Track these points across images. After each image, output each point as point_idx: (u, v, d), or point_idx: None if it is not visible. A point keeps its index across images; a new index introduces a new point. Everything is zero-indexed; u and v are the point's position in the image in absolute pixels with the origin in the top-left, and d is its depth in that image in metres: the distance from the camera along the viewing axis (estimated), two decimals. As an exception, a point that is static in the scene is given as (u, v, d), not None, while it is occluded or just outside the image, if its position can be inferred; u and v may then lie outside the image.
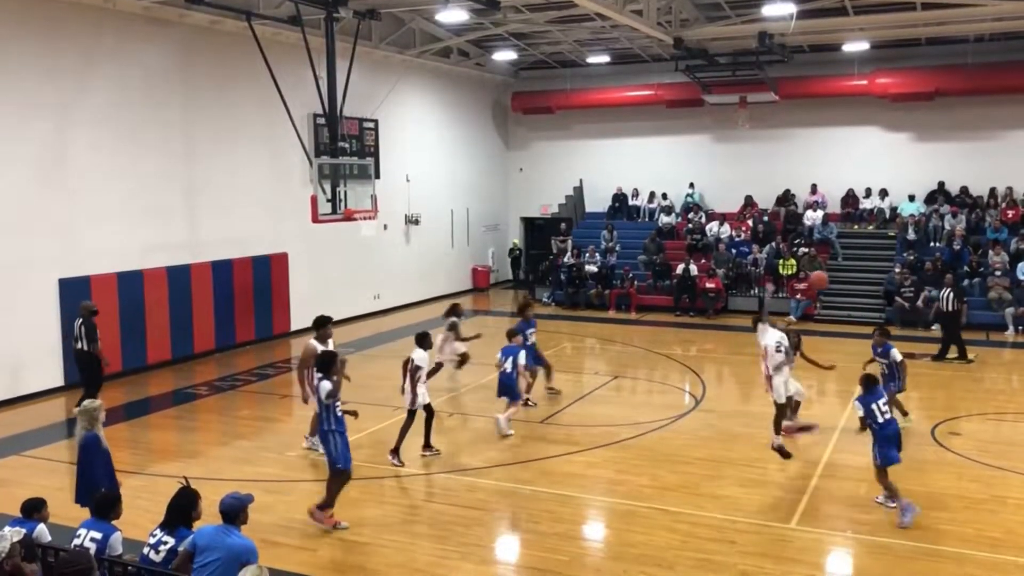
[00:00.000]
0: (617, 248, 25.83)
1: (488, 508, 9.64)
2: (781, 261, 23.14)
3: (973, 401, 14.31)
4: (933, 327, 19.69)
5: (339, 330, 20.70)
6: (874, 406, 9.30)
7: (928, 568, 8.07)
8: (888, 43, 23.18)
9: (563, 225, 27.30)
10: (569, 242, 26.41)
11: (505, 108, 29.14)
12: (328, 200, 16.00)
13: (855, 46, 22.62)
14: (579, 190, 28.64)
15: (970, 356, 17.06)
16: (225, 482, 9.46)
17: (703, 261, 24.10)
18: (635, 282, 24.15)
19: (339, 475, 8.97)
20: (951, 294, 17.51)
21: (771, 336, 11.40)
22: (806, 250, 23.11)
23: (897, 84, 23.42)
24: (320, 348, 10.94)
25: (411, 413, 11.11)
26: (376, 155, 22.51)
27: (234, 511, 6.14)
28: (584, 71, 27.49)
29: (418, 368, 11.00)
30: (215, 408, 14.38)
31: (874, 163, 24.83)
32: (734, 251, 24.26)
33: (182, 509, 6.29)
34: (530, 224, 29.98)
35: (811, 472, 10.64)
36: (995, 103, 23.22)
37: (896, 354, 12.09)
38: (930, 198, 24.03)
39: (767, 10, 18.18)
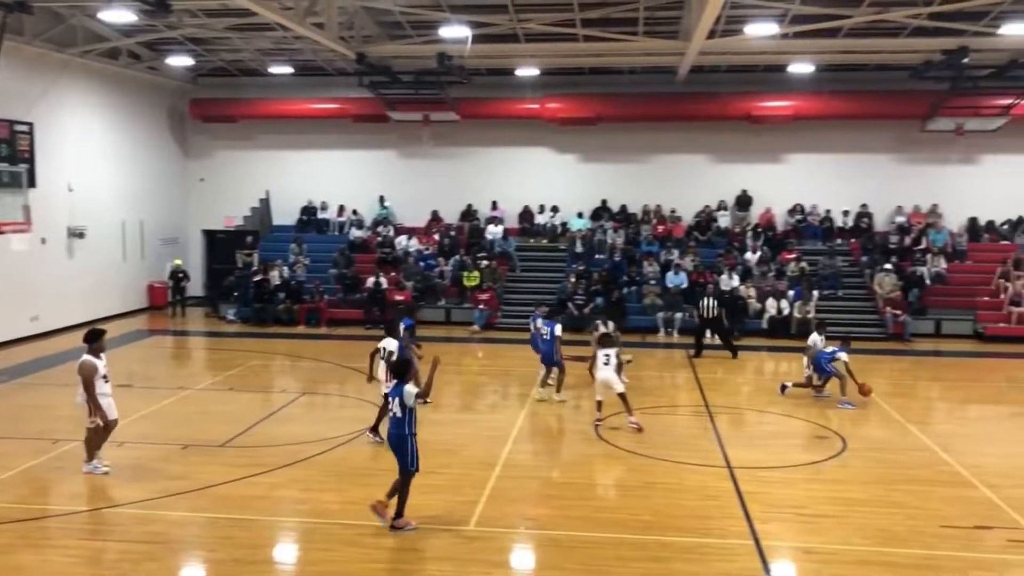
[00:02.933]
0: (306, 262, 25.49)
1: (160, 541, 9.07)
2: (465, 273, 24.15)
3: (633, 397, 15.74)
4: (670, 331, 22.30)
5: (-13, 357, 18.61)
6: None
7: (590, 555, 8.80)
8: (556, 71, 25.10)
9: (249, 238, 26.47)
10: (255, 256, 25.64)
11: (183, 115, 27.68)
12: (-31, 212, 14.22)
13: (527, 71, 24.24)
14: (266, 202, 27.92)
15: (629, 357, 18.89)
16: None
17: (393, 274, 24.50)
18: (325, 296, 23.98)
19: (411, 476, 9.37)
20: (714, 302, 19.77)
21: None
22: (488, 263, 24.32)
23: (564, 109, 25.44)
24: (99, 363, 10.83)
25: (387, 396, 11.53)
26: (31, 162, 20.39)
27: None
28: (268, 81, 26.87)
29: (392, 354, 12.11)
30: None
31: (547, 182, 26.75)
32: (422, 264, 24.92)
33: None
34: (213, 237, 28.67)
35: (489, 474, 11.20)
36: (647, 129, 25.99)
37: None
38: (595, 214, 26.34)
39: (445, 32, 18.94)
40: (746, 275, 23.65)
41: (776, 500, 10.38)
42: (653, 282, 23.44)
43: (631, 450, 12.30)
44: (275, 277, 24.42)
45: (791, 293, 22.69)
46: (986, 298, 22.90)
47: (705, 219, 25.96)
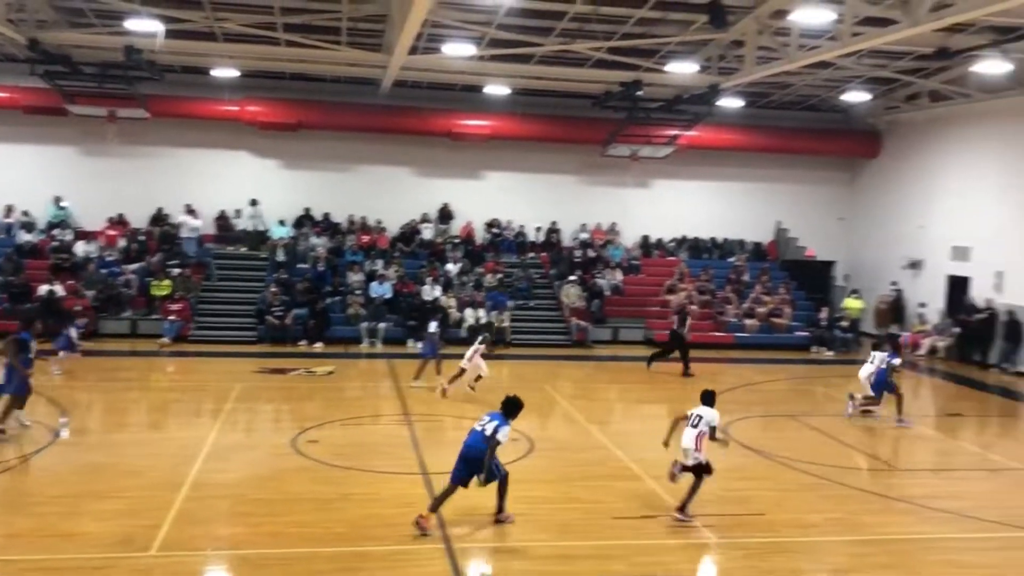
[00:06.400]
0: (-36, 268, 22.57)
1: None
2: (155, 282, 22.64)
3: (335, 409, 15.66)
4: (373, 341, 21.30)
5: None
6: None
7: (282, 571, 8.62)
8: (257, 73, 24.35)
9: None
10: (-102, 260, 22.28)
11: None
12: None
13: (225, 72, 23.29)
14: (-88, 199, 24.37)
15: (330, 368, 18.78)
16: None
17: (71, 282, 22.38)
18: (-13, 306, 21.38)
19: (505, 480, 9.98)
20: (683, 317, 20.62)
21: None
22: (180, 270, 23.01)
23: (265, 113, 24.79)
24: None
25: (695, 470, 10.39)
26: None
27: None
28: (-83, 60, 23.52)
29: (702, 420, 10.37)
30: None
31: (247, 187, 25.84)
32: (105, 271, 23.02)
33: None
34: None
35: (175, 496, 10.57)
36: (351, 139, 26.05)
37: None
38: (298, 222, 25.86)
39: (131, 24, 17.71)
40: (447, 286, 24.36)
41: (467, 503, 10.76)
42: (358, 292, 23.44)
43: (328, 462, 12.21)
44: (-77, 284, 21.39)
45: (488, 303, 23.74)
46: (655, 308, 25.40)
47: (409, 231, 26.43)
